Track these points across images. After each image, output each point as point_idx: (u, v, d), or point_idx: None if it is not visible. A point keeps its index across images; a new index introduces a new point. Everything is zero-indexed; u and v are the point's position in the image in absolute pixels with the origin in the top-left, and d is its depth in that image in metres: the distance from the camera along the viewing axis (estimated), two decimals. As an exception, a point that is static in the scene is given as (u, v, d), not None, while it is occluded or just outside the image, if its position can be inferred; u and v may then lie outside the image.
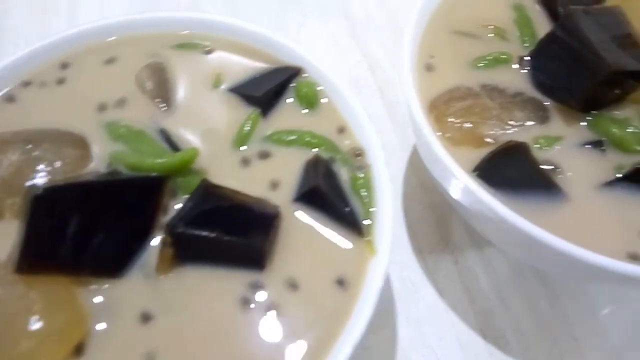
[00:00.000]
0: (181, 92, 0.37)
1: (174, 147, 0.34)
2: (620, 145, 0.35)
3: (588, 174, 0.34)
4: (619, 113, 0.37)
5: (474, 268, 0.45)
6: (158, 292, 0.30)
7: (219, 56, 0.39)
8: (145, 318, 0.29)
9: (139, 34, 0.39)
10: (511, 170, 0.34)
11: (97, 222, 0.29)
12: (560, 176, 0.34)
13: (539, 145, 0.35)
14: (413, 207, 0.48)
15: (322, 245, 0.32)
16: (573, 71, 0.35)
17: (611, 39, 0.35)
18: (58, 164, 0.32)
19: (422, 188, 0.49)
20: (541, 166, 0.34)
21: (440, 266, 0.45)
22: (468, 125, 0.35)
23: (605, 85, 0.35)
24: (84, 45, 0.38)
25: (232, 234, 0.29)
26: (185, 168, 0.32)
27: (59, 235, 0.29)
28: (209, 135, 0.35)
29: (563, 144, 0.35)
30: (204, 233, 0.29)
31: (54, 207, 0.29)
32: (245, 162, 0.34)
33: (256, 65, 0.38)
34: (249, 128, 0.35)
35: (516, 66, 0.39)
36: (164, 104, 0.36)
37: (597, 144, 0.35)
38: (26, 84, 0.37)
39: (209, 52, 0.39)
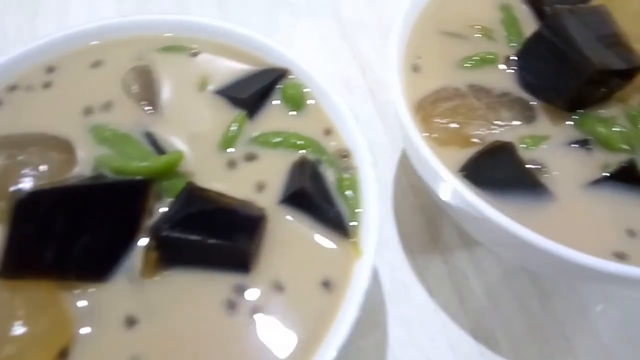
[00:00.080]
0: (167, 94, 0.37)
1: (159, 150, 0.34)
2: (607, 144, 0.35)
3: (574, 173, 0.34)
4: (605, 112, 0.37)
5: (464, 268, 0.45)
6: (143, 296, 0.29)
7: (206, 58, 0.39)
8: (130, 322, 0.29)
9: (125, 37, 0.39)
10: (497, 170, 0.34)
11: (82, 226, 0.29)
12: (547, 175, 0.34)
13: (525, 145, 0.35)
14: (403, 207, 0.48)
15: (308, 247, 0.32)
16: (559, 70, 0.35)
17: (597, 38, 0.35)
18: (43, 168, 0.32)
19: (413, 189, 0.49)
20: (527, 166, 0.34)
21: (430, 267, 0.45)
22: (454, 125, 0.35)
23: (591, 85, 0.35)
24: (70, 48, 0.38)
25: (217, 236, 0.29)
26: (170, 171, 0.32)
27: (43, 240, 0.29)
28: (195, 138, 0.35)
29: (549, 144, 0.36)
30: (189, 236, 0.29)
31: (38, 212, 0.29)
32: (232, 164, 0.34)
33: (243, 67, 0.38)
34: (235, 130, 0.35)
35: (503, 66, 0.39)
36: (150, 107, 0.36)
37: (583, 143, 0.36)
38: (12, 88, 0.37)
39: (195, 54, 0.39)
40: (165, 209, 0.31)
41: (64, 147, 0.34)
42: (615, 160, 0.35)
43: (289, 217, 0.32)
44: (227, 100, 0.36)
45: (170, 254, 0.30)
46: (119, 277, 0.30)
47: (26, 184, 0.32)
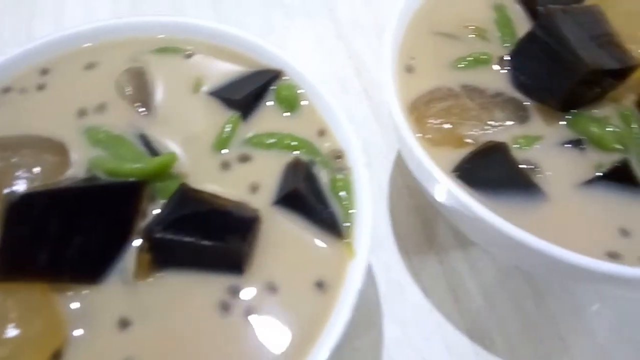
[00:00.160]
0: (161, 96, 0.37)
1: (153, 151, 0.34)
2: (600, 144, 0.35)
3: (567, 173, 0.34)
4: (598, 112, 0.37)
5: (459, 269, 0.45)
6: (136, 297, 0.29)
7: (200, 60, 0.39)
8: (124, 324, 0.29)
9: (120, 39, 0.39)
10: (491, 170, 0.34)
11: (75, 228, 0.29)
12: (540, 175, 0.34)
13: (518, 145, 0.35)
14: (399, 208, 0.48)
15: (302, 247, 0.32)
16: (552, 71, 0.35)
17: (590, 38, 0.35)
18: (37, 170, 0.32)
19: (408, 189, 0.49)
20: (521, 166, 0.34)
21: (425, 267, 0.45)
22: (448, 126, 0.35)
23: (584, 85, 0.35)
24: (64, 50, 0.38)
25: (210, 238, 0.29)
26: (163, 173, 0.32)
27: (37, 242, 0.29)
28: (189, 140, 0.35)
29: (543, 144, 0.36)
30: (182, 238, 0.29)
31: (32, 214, 0.29)
32: (225, 165, 0.34)
33: (237, 69, 0.38)
34: (229, 131, 0.35)
35: (496, 66, 0.39)
36: (144, 109, 0.36)
37: (576, 143, 0.36)
38: (6, 90, 0.37)
39: (189, 56, 0.39)
40: (159, 211, 0.31)
41: (58, 149, 0.34)
42: (609, 160, 0.35)
43: (282, 218, 0.32)
44: (221, 101, 0.36)
45: (164, 256, 0.30)
46: (113, 279, 0.30)
47: (20, 186, 0.32)
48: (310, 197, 0.32)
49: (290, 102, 0.37)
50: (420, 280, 0.45)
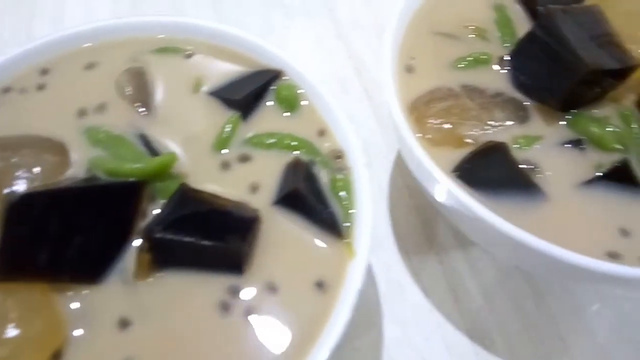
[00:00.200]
0: (161, 96, 0.37)
1: (153, 151, 0.34)
2: (600, 144, 0.35)
3: (567, 173, 0.34)
4: (598, 112, 0.37)
5: (459, 269, 0.45)
6: (136, 297, 0.29)
7: (200, 60, 0.39)
8: (124, 324, 0.29)
9: (120, 39, 0.39)
10: (490, 170, 0.34)
11: (75, 228, 0.29)
12: (540, 175, 0.34)
13: (518, 145, 0.35)
14: (399, 208, 0.48)
15: (302, 247, 0.32)
16: (552, 71, 0.35)
17: (590, 38, 0.35)
18: (37, 170, 0.32)
19: (408, 189, 0.49)
20: (521, 166, 0.34)
21: (425, 267, 0.45)
22: (448, 126, 0.35)
23: (584, 85, 0.35)
24: (64, 50, 0.38)
25: (210, 238, 0.29)
26: (163, 173, 0.32)
27: (37, 242, 0.29)
28: (189, 140, 0.35)
29: (542, 144, 0.36)
30: (182, 238, 0.29)
31: (32, 214, 0.29)
32: (225, 165, 0.34)
33: (237, 69, 0.38)
34: (229, 132, 0.35)
35: (496, 66, 0.39)
36: (144, 109, 0.36)
37: (576, 143, 0.36)
38: (6, 90, 0.37)
39: (189, 56, 0.39)
40: (159, 211, 0.31)
41: (58, 149, 0.34)
42: (609, 160, 0.35)
43: (282, 218, 0.32)
44: (221, 101, 0.36)
45: (164, 256, 0.30)
46: (113, 279, 0.30)
47: (20, 186, 0.32)
48: (310, 197, 0.32)
49: (290, 102, 0.37)
50: (420, 280, 0.45)
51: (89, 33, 0.39)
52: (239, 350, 0.29)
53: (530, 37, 0.37)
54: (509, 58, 0.39)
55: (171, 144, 0.35)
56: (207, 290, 0.30)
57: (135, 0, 0.62)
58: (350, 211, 0.33)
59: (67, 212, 0.29)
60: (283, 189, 0.33)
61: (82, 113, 0.36)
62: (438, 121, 0.35)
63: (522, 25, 0.41)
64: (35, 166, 0.33)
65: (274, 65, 0.38)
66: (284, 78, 0.38)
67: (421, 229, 0.47)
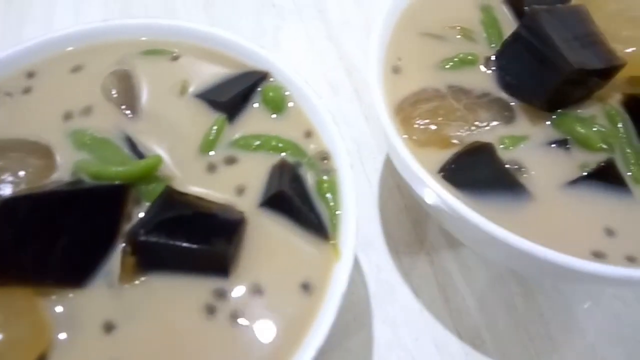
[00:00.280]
0: (147, 99, 0.37)
1: (139, 154, 0.34)
2: (585, 144, 0.35)
3: (553, 173, 0.35)
4: (584, 112, 0.37)
5: (449, 269, 0.45)
6: (121, 301, 0.29)
7: (187, 62, 0.39)
8: (109, 328, 0.29)
9: (105, 42, 0.39)
10: (476, 170, 0.34)
11: (60, 232, 0.29)
12: (525, 175, 0.34)
13: (504, 145, 0.35)
14: (389, 208, 0.48)
15: (288, 249, 0.32)
16: (537, 71, 0.35)
17: (574, 38, 0.35)
18: (22, 174, 0.32)
19: (399, 189, 0.49)
20: (506, 166, 0.34)
21: (416, 267, 0.45)
22: (434, 126, 0.35)
23: (569, 84, 0.35)
24: (50, 53, 0.38)
25: (195, 241, 0.29)
26: (148, 175, 0.32)
27: (21, 246, 0.29)
28: (175, 142, 0.35)
29: (528, 144, 0.36)
30: (166, 241, 0.29)
31: (16, 218, 0.29)
32: (212, 168, 0.34)
33: (223, 71, 0.38)
34: (215, 134, 0.35)
35: (483, 67, 0.39)
36: (130, 112, 0.36)
37: (562, 143, 0.36)
38: (-8, 93, 0.37)
39: (176, 58, 0.39)
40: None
41: (44, 153, 0.34)
42: (594, 159, 0.35)
43: (268, 220, 0.32)
44: (207, 103, 0.36)
45: (148, 259, 0.30)
46: (98, 283, 0.30)
47: (4, 190, 0.32)
48: (296, 199, 0.32)
49: (276, 104, 0.37)
50: (411, 280, 0.45)
51: (75, 36, 0.39)
52: (224, 353, 0.29)
53: (515, 37, 0.37)
54: (495, 58, 0.39)
55: (157, 147, 0.34)
56: (193, 293, 0.30)
57: (126, 4, 0.62)
58: (336, 213, 0.33)
59: (52, 216, 0.29)
60: (269, 190, 0.33)
61: (68, 116, 0.36)
62: (424, 122, 0.35)
63: (509, 25, 0.41)
64: (20, 170, 0.32)
65: (260, 66, 0.38)
66: (270, 80, 0.38)
67: (412, 229, 0.47)
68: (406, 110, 0.36)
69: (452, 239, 0.46)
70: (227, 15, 0.62)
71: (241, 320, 0.29)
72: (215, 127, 0.35)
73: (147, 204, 0.32)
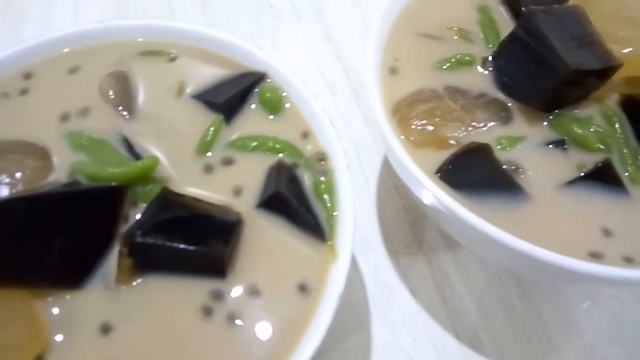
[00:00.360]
0: (144, 100, 0.37)
1: (136, 155, 0.34)
2: (583, 144, 0.35)
3: (550, 173, 0.35)
4: (581, 112, 0.37)
5: (448, 269, 0.45)
6: (118, 302, 0.29)
7: (184, 63, 0.39)
8: (106, 329, 0.29)
9: (103, 43, 0.39)
10: (473, 171, 0.34)
11: (57, 234, 0.29)
12: (522, 176, 0.34)
13: (501, 146, 0.35)
14: (387, 208, 0.48)
15: (285, 250, 0.32)
16: (534, 71, 0.35)
17: (572, 38, 0.35)
18: (18, 175, 0.32)
19: (397, 190, 0.49)
20: (503, 167, 0.34)
21: (414, 268, 0.45)
22: (431, 127, 0.35)
23: (566, 85, 0.35)
24: (47, 54, 0.38)
25: (192, 242, 0.29)
26: (145, 177, 0.32)
27: (18, 248, 0.29)
28: (172, 143, 0.35)
29: (525, 144, 0.36)
30: (163, 242, 0.29)
31: (12, 220, 0.29)
32: (209, 169, 0.34)
33: (221, 72, 0.38)
34: (212, 135, 0.35)
35: (480, 67, 0.39)
36: (127, 113, 0.36)
37: (559, 144, 0.36)
38: (-11, 95, 0.37)
39: (173, 59, 0.39)
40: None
41: (41, 154, 0.34)
42: (591, 160, 0.35)
43: (265, 221, 0.32)
44: (204, 104, 0.36)
45: (145, 261, 0.30)
46: (95, 284, 0.30)
47: (1, 191, 0.32)
48: (293, 200, 0.32)
49: (273, 105, 0.37)
50: (409, 281, 0.45)
51: (72, 37, 0.39)
52: (221, 355, 0.29)
53: (511, 37, 0.37)
54: (492, 59, 0.39)
55: (154, 148, 0.34)
56: (190, 294, 0.30)
57: (124, 5, 0.62)
58: (333, 214, 0.33)
59: (49, 217, 0.29)
60: (266, 191, 0.33)
61: (65, 117, 0.36)
62: (421, 123, 0.35)
63: (506, 26, 0.41)
64: (17, 171, 0.32)
65: (257, 68, 0.38)
66: (267, 81, 0.38)
67: (410, 229, 0.47)
68: (403, 111, 0.36)
69: (450, 239, 0.46)
70: (225, 16, 0.62)
71: (238, 322, 0.29)
72: (212, 128, 0.35)
73: (144, 205, 0.32)
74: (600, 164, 0.34)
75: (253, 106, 0.37)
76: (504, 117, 0.36)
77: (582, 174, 0.34)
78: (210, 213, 0.31)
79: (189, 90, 0.37)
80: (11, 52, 0.37)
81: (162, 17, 0.60)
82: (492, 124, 0.36)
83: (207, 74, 0.38)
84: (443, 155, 0.35)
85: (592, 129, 0.35)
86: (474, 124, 0.36)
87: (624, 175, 0.35)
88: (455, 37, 0.41)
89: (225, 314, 0.29)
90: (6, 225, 0.29)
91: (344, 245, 0.31)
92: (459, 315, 0.43)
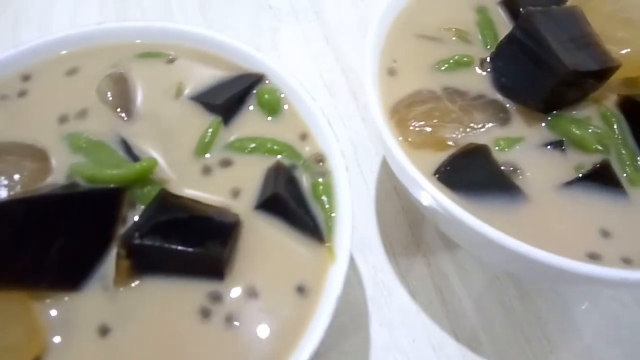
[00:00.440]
0: (142, 101, 0.37)
1: (134, 157, 0.34)
2: (581, 145, 0.35)
3: (548, 174, 0.35)
4: (579, 113, 0.37)
5: (446, 270, 0.45)
6: (116, 304, 0.29)
7: (182, 65, 0.39)
8: (104, 331, 0.29)
9: (102, 44, 0.39)
10: (471, 172, 0.34)
11: (55, 236, 0.29)
12: (521, 177, 0.34)
13: (499, 147, 0.35)
14: (387, 209, 0.48)
15: (283, 252, 0.32)
16: (532, 72, 0.35)
17: (570, 39, 0.35)
18: (17, 177, 0.32)
19: (396, 191, 0.49)
20: (501, 168, 0.34)
21: (413, 269, 0.45)
22: (429, 128, 0.35)
23: (564, 86, 0.35)
24: (45, 56, 0.38)
25: (190, 244, 0.29)
26: (143, 178, 0.32)
27: (16, 250, 0.29)
28: (170, 145, 0.35)
29: (523, 145, 0.36)
30: (161, 244, 0.29)
31: (10, 222, 0.29)
32: (207, 170, 0.34)
33: (219, 73, 0.38)
34: (210, 136, 0.35)
35: (478, 68, 0.39)
36: (125, 114, 0.36)
37: (557, 144, 0.36)
38: (-13, 97, 0.37)
39: (172, 61, 0.39)
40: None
41: (39, 156, 0.34)
42: (589, 161, 0.35)
43: (264, 223, 0.32)
44: (202, 106, 0.36)
45: (143, 262, 0.30)
46: (93, 286, 0.30)
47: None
48: (291, 201, 0.32)
49: (272, 106, 0.37)
50: (408, 282, 0.45)
51: (70, 39, 0.39)
52: (220, 356, 0.29)
53: (509, 38, 0.37)
54: (490, 60, 0.39)
55: (152, 150, 0.34)
56: (188, 296, 0.30)
57: (123, 6, 0.62)
58: (331, 215, 0.33)
59: (47, 219, 0.29)
60: (264, 193, 0.33)
61: (63, 119, 0.36)
62: (419, 124, 0.35)
63: (505, 27, 0.41)
64: (15, 173, 0.32)
65: (255, 69, 0.38)
66: (265, 82, 0.38)
67: (408, 230, 0.47)
68: (401, 112, 0.36)
69: (449, 240, 0.46)
70: (224, 17, 0.62)
71: (236, 323, 0.29)
72: (210, 130, 0.35)
73: (142, 207, 0.32)
74: (598, 165, 0.34)
75: (251, 107, 0.37)
76: (502, 118, 0.36)
77: (581, 175, 0.34)
78: (209, 215, 0.31)
79: (187, 91, 0.37)
80: (10, 54, 0.37)
81: (160, 18, 0.61)
82: (490, 125, 0.36)
83: (205, 76, 0.38)
84: (441, 157, 0.35)
85: (590, 130, 0.35)
86: (472, 125, 0.36)
87: (622, 176, 0.35)
88: (454, 38, 0.41)
89: (224, 316, 0.29)
90: (4, 227, 0.29)
91: (342, 247, 0.31)
92: (458, 316, 0.43)
